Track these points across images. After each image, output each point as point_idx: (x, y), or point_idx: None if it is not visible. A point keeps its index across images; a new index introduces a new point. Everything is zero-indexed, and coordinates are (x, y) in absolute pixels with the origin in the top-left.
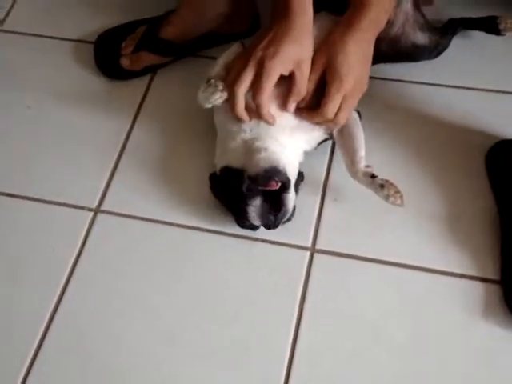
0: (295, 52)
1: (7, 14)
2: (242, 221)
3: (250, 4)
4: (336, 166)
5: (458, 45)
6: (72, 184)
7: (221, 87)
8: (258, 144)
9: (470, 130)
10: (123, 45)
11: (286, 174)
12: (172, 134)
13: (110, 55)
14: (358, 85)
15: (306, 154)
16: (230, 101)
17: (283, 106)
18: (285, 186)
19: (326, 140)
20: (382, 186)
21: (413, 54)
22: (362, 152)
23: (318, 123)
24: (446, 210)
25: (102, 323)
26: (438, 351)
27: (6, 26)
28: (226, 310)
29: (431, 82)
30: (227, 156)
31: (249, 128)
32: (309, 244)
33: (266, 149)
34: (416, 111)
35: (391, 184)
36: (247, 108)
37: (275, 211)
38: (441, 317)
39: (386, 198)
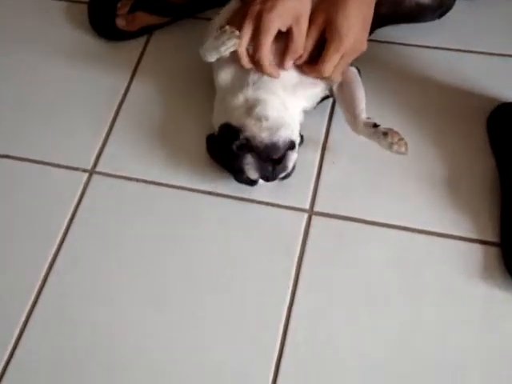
0: (293, 6)
1: None
2: (240, 174)
3: None
4: (335, 128)
5: (462, 8)
6: (66, 145)
7: (237, 33)
8: (257, 110)
9: (471, 93)
10: (119, 5)
11: (286, 145)
12: (169, 94)
13: (104, 15)
14: (358, 44)
15: (306, 114)
16: (236, 56)
17: (280, 63)
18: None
19: (325, 98)
20: (385, 133)
21: (416, 14)
22: (362, 105)
23: (315, 78)
24: (445, 173)
25: (94, 285)
26: (437, 314)
27: None
28: (221, 271)
29: (433, 45)
30: (227, 114)
31: (252, 82)
32: (307, 206)
33: (266, 116)
34: (417, 74)
35: (395, 132)
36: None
37: (274, 163)
38: (439, 279)
39: (390, 146)
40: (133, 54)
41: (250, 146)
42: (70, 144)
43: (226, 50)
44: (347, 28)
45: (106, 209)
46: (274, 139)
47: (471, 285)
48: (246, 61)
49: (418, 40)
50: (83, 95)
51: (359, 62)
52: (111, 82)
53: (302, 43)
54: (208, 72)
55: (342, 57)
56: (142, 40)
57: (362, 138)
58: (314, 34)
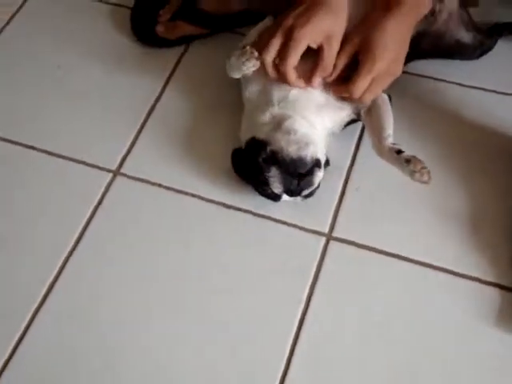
0: (327, 24)
1: None
2: (264, 187)
3: None
4: (362, 154)
5: (502, 49)
6: (94, 143)
7: (256, 55)
8: (287, 123)
9: (503, 135)
10: (161, 12)
11: (313, 162)
12: (200, 105)
13: (146, 21)
14: (392, 68)
15: (333, 137)
16: (263, 67)
17: (308, 80)
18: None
19: (353, 121)
20: (407, 160)
21: (456, 51)
22: (389, 130)
23: (344, 98)
24: (469, 211)
25: (107, 286)
26: (446, 354)
27: None
28: (233, 285)
29: (467, 83)
30: (255, 129)
31: (277, 100)
32: (326, 230)
33: (295, 130)
34: (448, 110)
35: (418, 160)
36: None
37: (299, 176)
38: (451, 319)
39: (412, 174)
40: (169, 61)
41: (276, 159)
42: (99, 143)
43: (247, 69)
44: (383, 49)
45: (126, 210)
46: (302, 154)
47: (484, 328)
48: (271, 71)
49: (453, 77)
50: (116, 98)
51: (392, 91)
52: (145, 88)
53: (331, 62)
54: (239, 86)
55: (373, 79)
56: (180, 49)
57: (389, 167)
58: (348, 53)
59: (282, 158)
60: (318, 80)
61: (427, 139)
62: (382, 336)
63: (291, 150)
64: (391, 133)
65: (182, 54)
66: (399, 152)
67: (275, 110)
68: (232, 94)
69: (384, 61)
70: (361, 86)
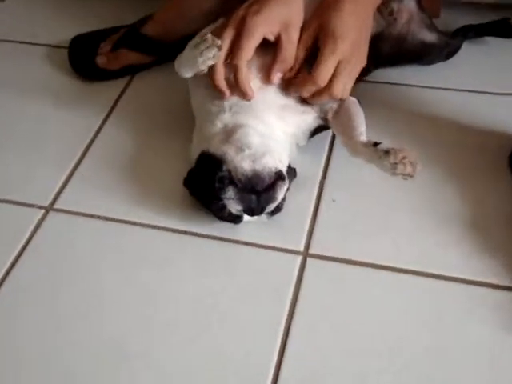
0: (282, 12)
1: None
2: (221, 209)
3: (238, 3)
4: (335, 163)
5: (468, 51)
6: (25, 180)
7: (218, 43)
8: (238, 135)
9: (489, 132)
10: (102, 44)
11: (272, 176)
12: (143, 135)
13: (85, 53)
14: (356, 51)
15: (301, 149)
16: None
17: (266, 76)
18: (275, 180)
19: (320, 129)
20: (386, 152)
21: (421, 53)
22: (362, 128)
23: (310, 98)
24: (463, 213)
25: (37, 338)
26: (462, 372)
27: None
28: (202, 322)
29: (441, 86)
30: (205, 143)
31: (229, 105)
32: (301, 248)
33: (248, 144)
34: (424, 114)
35: (398, 149)
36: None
37: (258, 192)
38: (465, 331)
39: (393, 167)
40: (112, 93)
41: (231, 179)
42: (30, 181)
43: (204, 61)
44: (342, 30)
45: (58, 248)
46: (258, 168)
47: (503, 338)
48: (218, 76)
49: (425, 81)
50: (54, 134)
51: (363, 103)
52: (85, 121)
53: (291, 53)
54: (186, 116)
55: (339, 63)
56: (124, 81)
57: (366, 175)
58: (306, 41)
59: (238, 178)
60: (277, 75)
61: (406, 144)
62: (379, 358)
63: (246, 167)
64: (364, 131)
65: (126, 86)
66: (375, 144)
67: (226, 116)
68: (177, 124)
69: (346, 42)
70: (325, 70)
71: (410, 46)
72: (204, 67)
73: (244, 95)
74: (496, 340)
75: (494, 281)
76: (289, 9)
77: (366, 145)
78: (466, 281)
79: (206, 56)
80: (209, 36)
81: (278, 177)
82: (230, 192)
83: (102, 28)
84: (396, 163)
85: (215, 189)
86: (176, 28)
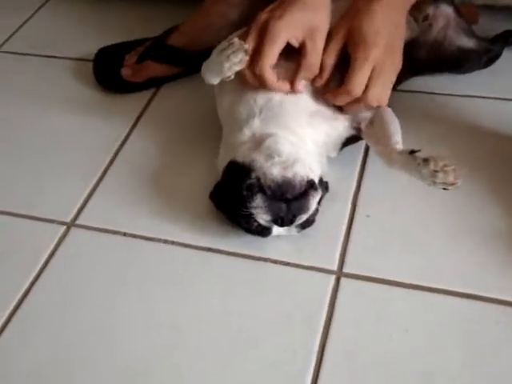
0: (306, 17)
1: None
2: (249, 220)
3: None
4: (369, 177)
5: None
6: (48, 195)
7: (246, 47)
8: (268, 143)
9: None
10: (127, 56)
11: (303, 184)
12: (170, 146)
13: (110, 65)
14: (390, 56)
15: (333, 163)
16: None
17: (291, 83)
18: (306, 189)
19: (353, 140)
20: (425, 160)
21: (460, 60)
22: (397, 137)
23: (345, 108)
24: (506, 229)
25: (58, 352)
26: None
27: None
28: (227, 347)
29: (480, 94)
30: (233, 152)
31: (258, 109)
32: (334, 267)
33: (278, 151)
34: (463, 125)
35: (438, 156)
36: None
37: (289, 200)
38: (501, 353)
39: (433, 175)
40: (137, 106)
41: (260, 186)
42: (52, 196)
43: (231, 66)
44: (375, 34)
45: (80, 265)
46: (289, 175)
47: None
48: (249, 76)
49: (463, 90)
50: (78, 147)
51: (399, 112)
52: (109, 134)
53: (316, 60)
54: (213, 127)
55: (373, 70)
56: (149, 93)
57: (402, 189)
58: (335, 48)
59: (267, 184)
60: (301, 82)
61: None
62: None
63: (276, 174)
64: (400, 140)
65: (152, 98)
66: (413, 152)
67: (255, 124)
68: (202, 137)
69: (378, 47)
70: (359, 80)
71: (447, 53)
72: (230, 73)
73: (281, 91)
74: None
75: None
76: (314, 14)
77: (402, 153)
78: (505, 302)
79: (232, 61)
80: (236, 40)
81: (310, 186)
82: (259, 200)
83: (127, 40)
84: (437, 171)
85: (243, 197)
86: (202, 39)
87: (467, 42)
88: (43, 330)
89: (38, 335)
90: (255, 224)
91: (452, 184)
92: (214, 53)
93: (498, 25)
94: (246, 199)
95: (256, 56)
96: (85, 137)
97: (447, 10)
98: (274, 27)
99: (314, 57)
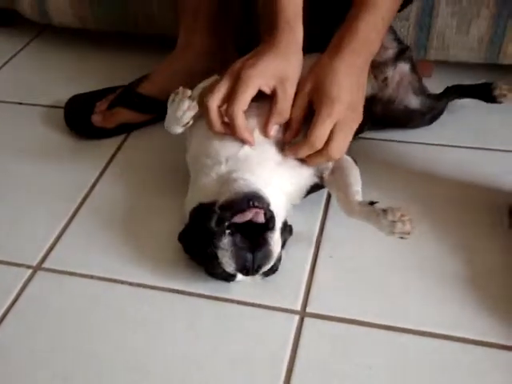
0: (278, 66)
1: None
2: (214, 266)
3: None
4: (332, 218)
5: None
6: (15, 239)
7: (189, 93)
8: (235, 183)
9: (480, 188)
10: (98, 103)
11: (268, 204)
12: (138, 191)
13: (81, 112)
14: (352, 112)
15: (298, 206)
16: (205, 116)
17: (264, 128)
18: (268, 222)
19: (316, 188)
20: (384, 210)
21: (405, 117)
22: (357, 186)
23: (307, 160)
24: (464, 271)
25: None
26: None
27: None
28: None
29: (436, 142)
30: (199, 195)
31: (225, 158)
32: (298, 307)
33: (244, 179)
34: (420, 171)
35: (396, 208)
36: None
37: (254, 250)
38: None
39: (392, 225)
40: (107, 151)
41: (227, 209)
42: (20, 240)
43: (183, 114)
44: (338, 91)
45: (45, 309)
46: (254, 190)
47: None
48: (215, 119)
49: (418, 138)
50: (47, 191)
51: (359, 159)
52: (78, 179)
53: (287, 107)
54: (181, 174)
55: (336, 125)
56: (119, 139)
57: (364, 232)
58: (302, 102)
59: (232, 201)
60: (274, 128)
61: (402, 200)
62: None
63: (240, 190)
64: (359, 189)
65: (121, 144)
66: (371, 203)
67: (222, 169)
68: (172, 182)
69: (342, 103)
70: (321, 133)
71: (395, 111)
72: (186, 120)
73: (244, 142)
74: None
75: (494, 340)
76: (286, 63)
77: (362, 204)
78: (464, 339)
79: (181, 109)
80: (180, 89)
81: (266, 224)
82: (227, 241)
83: (98, 89)
84: (394, 221)
85: (212, 235)
86: (171, 87)
87: (414, 102)
88: (7, 369)
89: (1, 375)
90: (220, 270)
91: (407, 233)
92: (168, 105)
93: (451, 78)
94: (214, 236)
95: (228, 101)
96: (54, 182)
97: (404, 68)
98: (247, 74)
99: (285, 103)
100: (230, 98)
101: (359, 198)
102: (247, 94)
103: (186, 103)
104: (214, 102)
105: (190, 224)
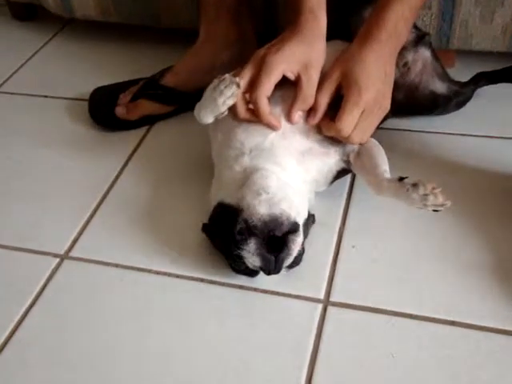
0: (302, 52)
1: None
2: (237, 263)
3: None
4: (354, 209)
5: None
6: (42, 229)
7: (237, 80)
8: (256, 178)
9: (505, 176)
10: (121, 96)
11: (290, 223)
12: (162, 182)
13: (105, 104)
14: (379, 101)
15: (320, 195)
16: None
17: (288, 115)
18: (290, 231)
19: (342, 173)
20: (414, 184)
21: (431, 104)
22: (385, 166)
23: (330, 142)
24: (489, 259)
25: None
26: None
27: (4, 88)
28: (218, 375)
29: (458, 132)
30: (222, 190)
31: (249, 149)
32: (321, 295)
33: (266, 187)
34: (443, 160)
35: (426, 181)
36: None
37: (276, 251)
38: (483, 378)
39: (423, 199)
40: (130, 143)
41: (249, 228)
42: (46, 230)
43: (225, 101)
44: (367, 80)
45: (72, 296)
46: (276, 212)
47: None
48: (241, 107)
49: (441, 127)
50: (72, 182)
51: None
52: (103, 170)
53: (311, 93)
54: (204, 165)
55: (362, 113)
56: (142, 131)
57: (387, 221)
58: (329, 89)
59: (254, 224)
60: (297, 114)
61: None
62: None
63: (262, 212)
64: (387, 169)
65: (144, 135)
66: (401, 179)
67: (246, 161)
68: (194, 175)
69: (370, 92)
70: (348, 121)
71: (420, 97)
72: (224, 108)
73: (271, 127)
74: None
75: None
76: (310, 50)
77: (391, 180)
78: (487, 328)
79: (225, 95)
80: (226, 75)
81: (293, 228)
82: (250, 246)
83: (121, 81)
84: (426, 194)
85: (235, 241)
86: (193, 78)
87: (440, 87)
88: (36, 358)
89: (31, 364)
90: (244, 266)
91: (442, 205)
92: (207, 91)
93: (474, 68)
94: (237, 243)
95: (253, 86)
96: (79, 173)
97: (425, 54)
98: (271, 60)
99: (309, 89)
100: (254, 84)
101: (388, 175)
102: (271, 79)
103: (232, 89)
104: (240, 90)
105: (213, 221)
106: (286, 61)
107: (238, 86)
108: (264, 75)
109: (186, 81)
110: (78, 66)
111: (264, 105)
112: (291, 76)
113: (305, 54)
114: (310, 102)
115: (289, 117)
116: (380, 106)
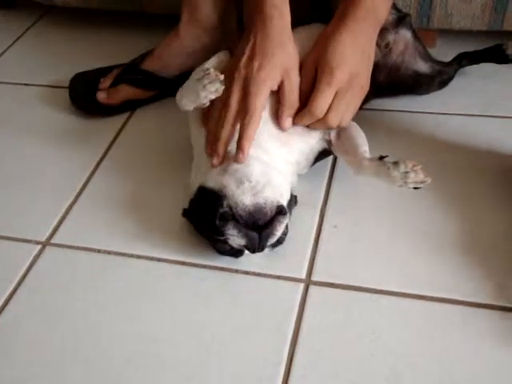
0: (281, 61)
1: None
2: (222, 245)
3: (237, 38)
4: (336, 189)
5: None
6: (23, 216)
7: (222, 77)
8: (240, 165)
9: (483, 154)
10: (101, 80)
11: (275, 209)
12: (143, 168)
13: (85, 89)
14: (355, 81)
15: (302, 176)
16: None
17: (278, 122)
18: (277, 213)
19: (323, 155)
20: (395, 163)
21: (414, 83)
22: (365, 147)
23: (310, 126)
24: (464, 238)
25: (33, 370)
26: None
27: None
28: (197, 354)
29: (439, 111)
30: (203, 174)
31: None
32: (303, 275)
33: (248, 176)
34: (425, 139)
35: (406, 159)
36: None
37: (260, 231)
38: (468, 353)
39: (405, 176)
40: (111, 130)
41: (233, 214)
42: (27, 217)
43: (206, 96)
44: (339, 60)
45: (55, 283)
46: (260, 201)
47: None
48: (220, 153)
49: (422, 107)
50: (52, 170)
51: (364, 130)
52: (84, 157)
53: (296, 96)
54: (185, 150)
55: (337, 93)
56: (123, 117)
57: (367, 201)
58: (308, 76)
59: (239, 213)
60: (288, 120)
61: None
62: None
63: (247, 202)
64: (367, 149)
65: (125, 122)
66: (381, 158)
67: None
68: (176, 160)
69: (343, 72)
70: (322, 102)
71: (403, 77)
72: (206, 101)
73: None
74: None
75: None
76: (285, 54)
77: (372, 160)
78: (471, 303)
79: (208, 90)
80: (211, 70)
81: (279, 211)
82: (232, 229)
83: (102, 66)
84: (407, 172)
85: (217, 225)
86: (175, 62)
87: (422, 66)
88: (19, 345)
89: (14, 350)
90: (228, 247)
91: (423, 182)
92: (190, 81)
93: (455, 47)
94: (219, 227)
95: (243, 111)
96: (60, 159)
97: (406, 35)
98: (258, 80)
99: (293, 93)
100: (244, 109)
101: (367, 155)
102: (262, 100)
103: (216, 86)
104: (225, 131)
105: (196, 205)
106: (270, 76)
107: (222, 83)
108: (254, 98)
109: (166, 64)
110: (59, 53)
111: (255, 127)
112: (276, 87)
113: (283, 60)
114: (296, 105)
115: (280, 125)
116: (356, 86)
